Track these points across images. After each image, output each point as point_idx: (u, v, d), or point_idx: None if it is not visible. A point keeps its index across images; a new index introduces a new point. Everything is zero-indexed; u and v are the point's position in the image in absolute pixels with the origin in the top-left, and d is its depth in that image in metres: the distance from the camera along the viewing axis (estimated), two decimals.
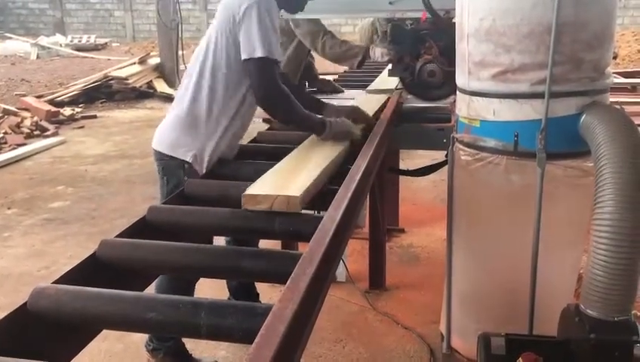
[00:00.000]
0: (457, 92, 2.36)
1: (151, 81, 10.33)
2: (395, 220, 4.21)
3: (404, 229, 4.21)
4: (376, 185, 3.03)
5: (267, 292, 3.17)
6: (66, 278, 1.36)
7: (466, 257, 2.45)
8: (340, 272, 3.42)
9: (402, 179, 4.26)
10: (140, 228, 1.68)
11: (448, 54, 2.94)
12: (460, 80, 2.31)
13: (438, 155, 3.82)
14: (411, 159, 5.22)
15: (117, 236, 1.58)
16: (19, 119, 7.67)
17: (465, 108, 2.28)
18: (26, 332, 1.21)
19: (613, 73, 2.28)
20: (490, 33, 2.09)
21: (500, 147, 2.15)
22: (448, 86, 3.07)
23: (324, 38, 3.60)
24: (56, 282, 1.33)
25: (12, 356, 1.08)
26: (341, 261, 3.11)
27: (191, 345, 2.83)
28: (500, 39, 2.06)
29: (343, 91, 3.97)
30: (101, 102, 9.50)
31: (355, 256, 3.72)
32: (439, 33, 3.04)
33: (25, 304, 1.25)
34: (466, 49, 2.21)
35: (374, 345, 2.87)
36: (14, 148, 6.67)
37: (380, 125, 2.63)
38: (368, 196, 3.04)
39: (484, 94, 2.17)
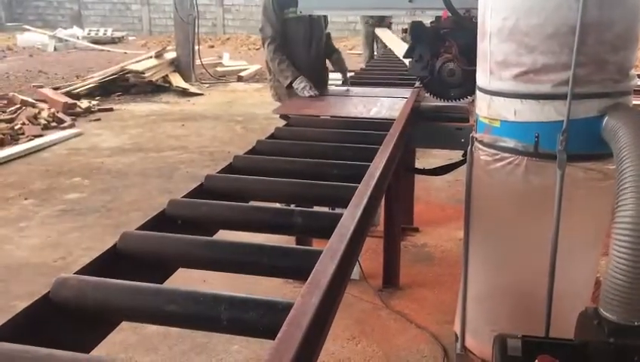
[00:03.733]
0: (478, 91, 2.35)
1: (167, 75, 10.37)
2: (410, 219, 4.21)
3: (419, 228, 4.20)
4: (392, 183, 3.02)
5: (280, 289, 3.18)
6: (88, 269, 1.37)
7: (483, 258, 2.43)
8: (354, 270, 3.42)
9: (417, 178, 4.25)
10: (160, 221, 1.69)
11: (468, 53, 2.92)
12: (481, 79, 2.29)
13: (453, 155, 3.82)
14: (425, 158, 5.21)
15: (138, 228, 1.59)
16: (36, 110, 7.73)
17: (485, 108, 2.27)
18: (48, 321, 1.22)
19: (637, 75, 2.26)
20: (513, 33, 2.07)
21: (521, 148, 2.13)
22: (467, 85, 3.05)
23: (270, 46, 3.95)
24: (77, 273, 1.34)
25: (34, 345, 1.09)
26: None
27: (203, 339, 2.85)
28: (523, 39, 2.05)
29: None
30: (117, 96, 9.56)
31: (370, 254, 3.71)
32: (459, 32, 3.02)
33: (48, 293, 1.26)
34: (487, 48, 2.19)
35: (387, 343, 2.87)
36: (31, 140, 6.73)
37: (398, 124, 2.63)
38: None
39: (506, 94, 2.15)
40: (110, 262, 1.44)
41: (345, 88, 4.07)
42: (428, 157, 5.31)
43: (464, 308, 2.52)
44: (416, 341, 2.87)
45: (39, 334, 1.18)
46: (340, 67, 4.27)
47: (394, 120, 2.74)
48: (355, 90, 4.00)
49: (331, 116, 3.24)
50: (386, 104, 3.36)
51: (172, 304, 1.23)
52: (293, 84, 3.80)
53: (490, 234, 2.39)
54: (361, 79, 4.56)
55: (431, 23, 3.27)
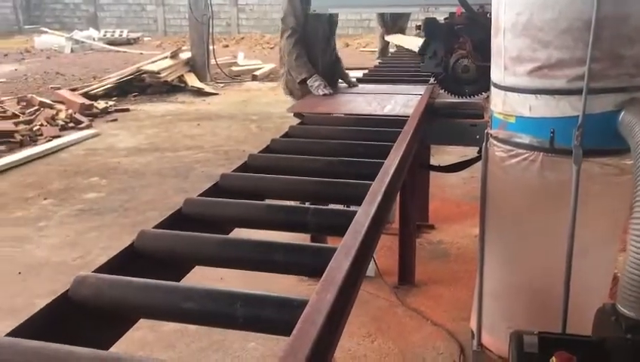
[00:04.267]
0: (492, 87, 2.34)
1: (182, 75, 10.43)
2: (425, 216, 4.20)
3: (434, 226, 4.19)
4: (406, 180, 3.02)
5: (295, 286, 3.19)
6: (106, 268, 1.39)
7: (499, 254, 2.43)
8: (370, 267, 3.42)
9: (432, 175, 4.24)
10: (177, 220, 1.71)
11: (482, 49, 2.91)
12: (496, 75, 2.28)
13: (467, 152, 3.81)
14: (440, 155, 5.19)
15: (154, 227, 1.61)
16: (54, 112, 7.82)
17: (500, 103, 2.26)
18: (68, 319, 1.24)
19: None
20: (527, 28, 2.06)
21: (536, 143, 2.12)
22: (482, 81, 3.04)
23: (289, 39, 3.85)
24: (96, 271, 1.36)
25: (54, 342, 1.11)
26: None
27: (219, 336, 2.88)
28: (537, 34, 2.03)
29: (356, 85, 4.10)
30: (134, 96, 9.64)
31: (385, 251, 3.71)
32: (473, 28, 3.01)
33: (67, 292, 1.28)
34: (501, 44, 2.18)
35: (403, 340, 2.87)
36: (50, 140, 6.81)
37: (412, 121, 2.62)
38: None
39: (520, 90, 2.14)
40: (128, 261, 1.46)
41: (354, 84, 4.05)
42: (442, 154, 5.29)
43: (480, 305, 2.51)
44: (432, 338, 2.87)
45: (59, 331, 1.20)
46: (342, 73, 4.21)
47: (408, 117, 2.73)
48: (368, 87, 4.00)
49: (345, 114, 3.24)
50: (400, 101, 3.36)
51: (189, 301, 1.24)
52: (307, 81, 3.78)
53: (506, 230, 2.38)
54: (375, 77, 4.55)
55: (445, 19, 3.27)
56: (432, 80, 3.63)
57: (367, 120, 2.99)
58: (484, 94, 3.17)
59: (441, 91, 3.44)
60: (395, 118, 2.91)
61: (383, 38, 8.22)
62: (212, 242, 1.56)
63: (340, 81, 4.11)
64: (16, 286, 3.51)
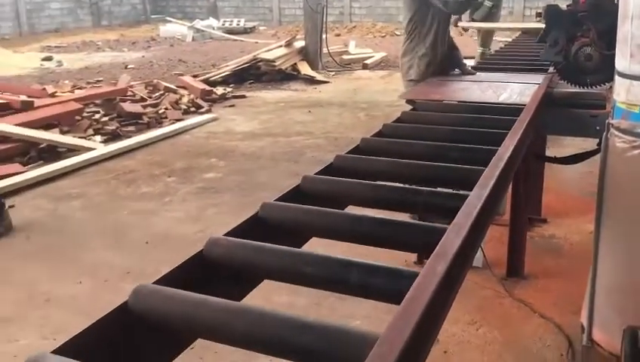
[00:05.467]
0: (616, 76, 2.26)
1: (295, 63, 10.71)
2: (538, 210, 4.09)
3: (547, 219, 4.08)
4: (520, 170, 2.97)
5: None
6: (234, 232, 1.53)
7: (616, 249, 2.35)
8: (477, 257, 3.41)
9: (547, 167, 4.12)
10: (295, 194, 1.83)
11: (607, 37, 2.79)
12: (621, 63, 2.21)
13: (586, 145, 3.66)
14: (556, 148, 5.00)
15: (276, 200, 1.73)
16: (178, 96, 8.35)
17: (624, 93, 2.18)
18: (202, 273, 1.39)
19: None
20: None
21: None
22: (606, 71, 2.92)
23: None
24: (226, 235, 1.50)
25: (191, 291, 1.25)
26: None
27: (327, 311, 3.00)
28: None
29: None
30: (249, 83, 10.03)
31: (493, 243, 3.67)
32: (599, 15, 2.89)
33: (201, 251, 1.43)
34: (629, 30, 2.11)
35: (509, 330, 2.86)
36: (173, 123, 7.30)
37: (528, 109, 2.59)
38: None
39: None
40: (252, 228, 1.60)
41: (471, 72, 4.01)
42: (558, 147, 5.10)
43: (592, 299, 2.45)
44: (540, 330, 2.83)
45: (196, 283, 1.34)
46: (459, 62, 4.14)
47: (524, 105, 2.69)
48: (483, 75, 3.95)
49: (458, 101, 3.23)
50: (517, 89, 3.30)
51: (308, 266, 1.35)
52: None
53: (626, 225, 2.30)
54: (490, 64, 4.48)
55: (567, 6, 3.16)
56: (551, 69, 3.52)
57: (481, 108, 2.97)
58: (607, 85, 3.04)
59: (561, 81, 3.34)
60: (511, 107, 2.87)
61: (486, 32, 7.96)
62: (328, 216, 1.66)
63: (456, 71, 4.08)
64: (145, 254, 3.85)
